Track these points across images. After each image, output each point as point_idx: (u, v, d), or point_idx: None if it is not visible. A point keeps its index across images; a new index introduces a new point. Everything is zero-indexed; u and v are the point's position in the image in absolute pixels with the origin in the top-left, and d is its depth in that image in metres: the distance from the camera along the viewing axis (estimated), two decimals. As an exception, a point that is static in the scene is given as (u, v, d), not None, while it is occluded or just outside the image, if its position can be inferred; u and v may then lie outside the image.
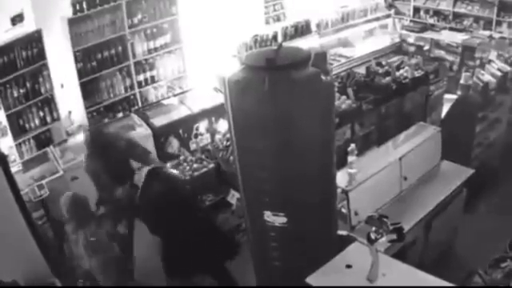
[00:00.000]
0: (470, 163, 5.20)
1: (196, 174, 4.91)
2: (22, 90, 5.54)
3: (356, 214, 3.97)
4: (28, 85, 5.58)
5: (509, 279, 3.84)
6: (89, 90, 6.25)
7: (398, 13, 9.60)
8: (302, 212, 3.49)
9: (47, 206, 5.22)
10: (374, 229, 3.10)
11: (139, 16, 6.41)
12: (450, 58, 8.42)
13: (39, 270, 3.80)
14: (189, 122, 6.28)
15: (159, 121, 6.38)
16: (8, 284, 3.56)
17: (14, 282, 3.60)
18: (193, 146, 6.15)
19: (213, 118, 6.41)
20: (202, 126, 6.35)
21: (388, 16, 9.34)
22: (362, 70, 6.89)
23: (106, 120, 6.46)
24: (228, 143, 5.42)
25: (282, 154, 3.31)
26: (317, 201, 3.55)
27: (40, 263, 3.84)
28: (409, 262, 3.43)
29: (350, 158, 4.05)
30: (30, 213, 4.29)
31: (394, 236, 3.18)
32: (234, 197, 4.68)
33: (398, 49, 8.94)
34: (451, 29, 8.93)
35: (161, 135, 6.01)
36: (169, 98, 6.96)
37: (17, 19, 5.38)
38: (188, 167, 5.01)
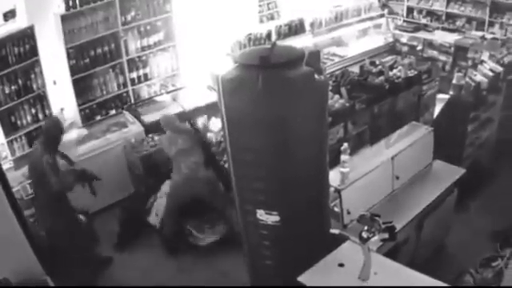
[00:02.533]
0: (461, 163, 5.24)
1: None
2: (13, 87, 5.49)
3: (348, 212, 3.98)
4: (20, 81, 5.53)
5: (499, 278, 3.88)
6: (81, 87, 6.21)
7: (391, 12, 9.64)
8: (294, 210, 3.50)
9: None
10: (366, 228, 3.12)
11: (132, 13, 6.38)
12: (442, 58, 8.47)
13: (31, 268, 3.78)
14: (180, 119, 6.28)
15: (151, 117, 6.40)
16: (-1, 282, 3.54)
17: (6, 280, 3.57)
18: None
19: (205, 116, 6.41)
20: (195, 123, 6.36)
21: (381, 16, 9.36)
22: (355, 70, 6.91)
23: (99, 117, 6.44)
24: (221, 139, 5.46)
25: (275, 152, 3.32)
26: (310, 199, 3.56)
27: (32, 261, 3.81)
28: (401, 261, 3.45)
29: (343, 157, 4.06)
30: (22, 210, 4.27)
31: (386, 235, 3.20)
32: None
33: (392, 48, 8.97)
34: (444, 29, 8.97)
35: (152, 131, 6.02)
36: (161, 95, 6.95)
37: (9, 15, 5.33)
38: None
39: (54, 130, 4.57)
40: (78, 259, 4.72)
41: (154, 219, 5.51)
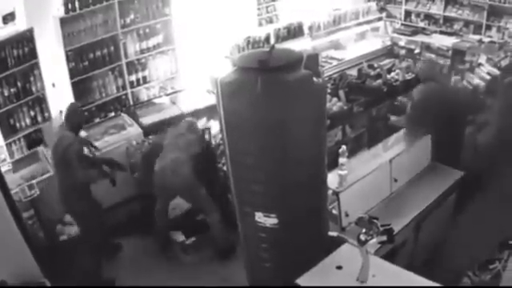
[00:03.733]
0: (459, 165, 5.25)
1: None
2: (12, 89, 5.48)
3: (347, 215, 3.99)
4: (19, 84, 5.52)
5: (497, 281, 3.89)
6: (80, 89, 6.21)
7: (389, 16, 9.69)
8: (293, 213, 3.51)
9: (37, 206, 5.20)
10: (364, 230, 3.13)
11: (132, 16, 6.39)
12: (440, 61, 8.50)
13: (29, 270, 3.78)
14: (178, 121, 6.28)
15: (149, 119, 6.42)
16: (-3, 284, 3.54)
17: (3, 281, 3.57)
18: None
19: (204, 119, 6.42)
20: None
21: (380, 19, 9.40)
22: (353, 73, 6.93)
23: (97, 120, 6.45)
24: (220, 141, 5.47)
25: (274, 155, 3.33)
26: (308, 202, 3.57)
27: (30, 263, 3.81)
28: (399, 264, 3.46)
29: (341, 160, 4.07)
30: (20, 213, 4.27)
31: (384, 237, 3.21)
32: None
33: (390, 52, 9.01)
34: (442, 32, 9.02)
35: (149, 134, 6.04)
36: (160, 97, 6.97)
37: (8, 18, 5.33)
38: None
39: (75, 116, 4.86)
40: (94, 244, 4.92)
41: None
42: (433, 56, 8.60)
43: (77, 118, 4.87)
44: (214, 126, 6.06)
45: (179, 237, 5.32)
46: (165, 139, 5.36)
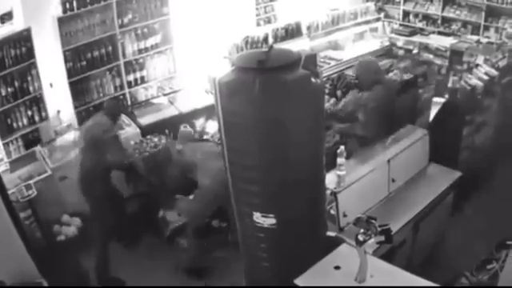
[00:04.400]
0: (457, 166, 5.26)
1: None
2: (10, 89, 5.49)
3: (345, 215, 4.00)
4: (16, 84, 5.53)
5: (495, 281, 3.90)
6: (78, 89, 6.20)
7: (387, 16, 9.70)
8: (291, 213, 3.50)
9: (35, 206, 5.19)
10: (362, 230, 3.13)
11: (130, 16, 6.38)
12: (438, 61, 8.51)
13: (26, 270, 3.77)
14: (176, 121, 6.29)
15: (147, 119, 6.41)
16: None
17: (1, 282, 3.57)
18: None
19: (202, 119, 6.41)
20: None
21: (378, 19, 9.39)
22: (351, 73, 6.91)
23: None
24: (218, 141, 5.46)
25: (272, 155, 3.32)
26: (306, 202, 3.57)
27: (27, 263, 3.80)
28: (397, 264, 3.46)
29: (339, 160, 4.07)
30: (17, 213, 4.26)
31: (382, 238, 3.21)
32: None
33: (388, 52, 9.00)
34: (440, 33, 9.04)
35: (147, 134, 6.04)
36: (158, 97, 6.96)
37: (6, 17, 5.33)
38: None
39: (114, 107, 5.11)
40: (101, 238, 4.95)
41: (173, 216, 5.49)
42: (431, 56, 8.62)
43: (116, 109, 5.05)
44: (213, 126, 6.06)
45: (182, 241, 5.30)
46: (191, 156, 5.05)
